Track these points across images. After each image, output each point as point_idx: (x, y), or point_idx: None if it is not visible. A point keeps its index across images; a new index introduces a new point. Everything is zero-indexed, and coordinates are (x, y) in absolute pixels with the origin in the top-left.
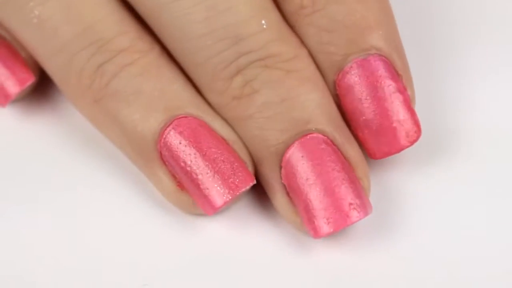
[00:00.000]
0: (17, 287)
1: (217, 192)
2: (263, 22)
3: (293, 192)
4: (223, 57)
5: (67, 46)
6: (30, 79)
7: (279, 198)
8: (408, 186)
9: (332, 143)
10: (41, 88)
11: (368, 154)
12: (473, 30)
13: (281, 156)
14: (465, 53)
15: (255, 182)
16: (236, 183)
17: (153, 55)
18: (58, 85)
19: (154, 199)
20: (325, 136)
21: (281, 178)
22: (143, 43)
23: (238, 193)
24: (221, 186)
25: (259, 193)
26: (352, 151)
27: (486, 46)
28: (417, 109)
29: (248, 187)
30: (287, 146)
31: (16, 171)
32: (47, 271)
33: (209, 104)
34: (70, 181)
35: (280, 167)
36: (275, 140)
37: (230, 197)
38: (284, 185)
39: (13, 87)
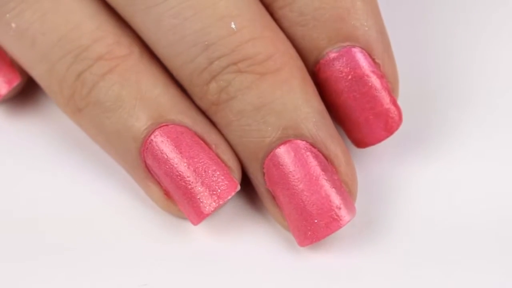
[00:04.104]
0: None
1: (200, 203)
2: (232, 24)
3: (276, 199)
4: (196, 63)
5: (46, 56)
6: (16, 80)
7: (266, 202)
8: (395, 178)
9: (312, 147)
10: (28, 89)
11: (352, 143)
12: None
13: (262, 163)
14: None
15: (239, 188)
16: (218, 194)
17: (132, 61)
18: (46, 92)
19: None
20: (303, 140)
21: (265, 183)
22: (121, 48)
23: (221, 203)
24: (204, 197)
25: (254, 190)
26: (336, 150)
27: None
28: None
29: (232, 195)
30: (266, 154)
31: (2, 173)
32: (46, 271)
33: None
34: (62, 182)
35: (263, 174)
36: (254, 147)
37: (212, 209)
38: (269, 191)
39: (0, 88)
